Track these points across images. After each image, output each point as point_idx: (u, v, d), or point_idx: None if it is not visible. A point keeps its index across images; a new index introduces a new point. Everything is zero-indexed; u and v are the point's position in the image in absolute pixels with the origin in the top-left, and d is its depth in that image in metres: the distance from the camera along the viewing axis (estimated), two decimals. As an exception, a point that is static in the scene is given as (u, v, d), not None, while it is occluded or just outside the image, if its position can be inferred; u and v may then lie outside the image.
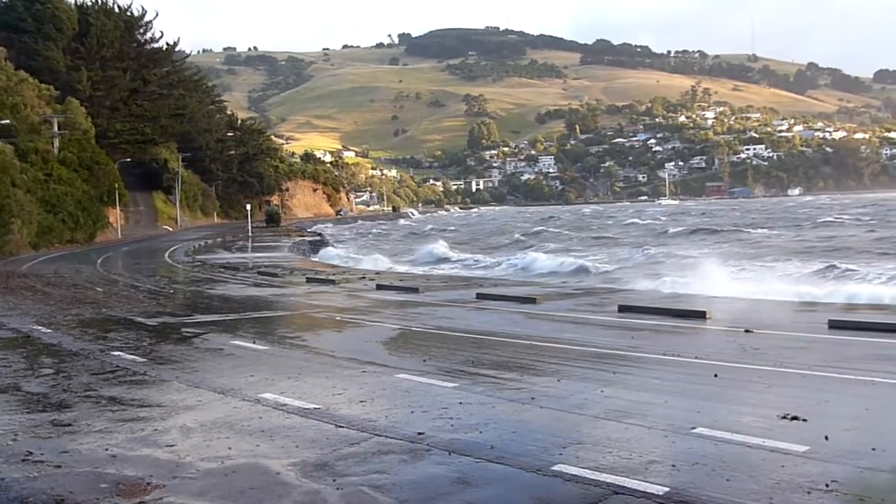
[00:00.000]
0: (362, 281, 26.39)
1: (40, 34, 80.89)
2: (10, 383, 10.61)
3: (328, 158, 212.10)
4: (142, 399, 9.56)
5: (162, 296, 23.36)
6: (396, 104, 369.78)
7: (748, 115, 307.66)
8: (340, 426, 7.97)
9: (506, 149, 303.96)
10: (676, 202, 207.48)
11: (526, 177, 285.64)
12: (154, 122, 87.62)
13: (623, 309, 16.77)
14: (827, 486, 5.92)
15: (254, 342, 13.72)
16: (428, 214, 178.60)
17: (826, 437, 7.07)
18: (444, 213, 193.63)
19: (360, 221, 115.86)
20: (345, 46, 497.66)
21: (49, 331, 15.68)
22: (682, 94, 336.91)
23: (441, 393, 9.39)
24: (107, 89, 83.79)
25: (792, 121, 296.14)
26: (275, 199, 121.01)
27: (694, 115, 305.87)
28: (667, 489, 5.92)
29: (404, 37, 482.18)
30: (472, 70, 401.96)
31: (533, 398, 9.00)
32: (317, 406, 8.83)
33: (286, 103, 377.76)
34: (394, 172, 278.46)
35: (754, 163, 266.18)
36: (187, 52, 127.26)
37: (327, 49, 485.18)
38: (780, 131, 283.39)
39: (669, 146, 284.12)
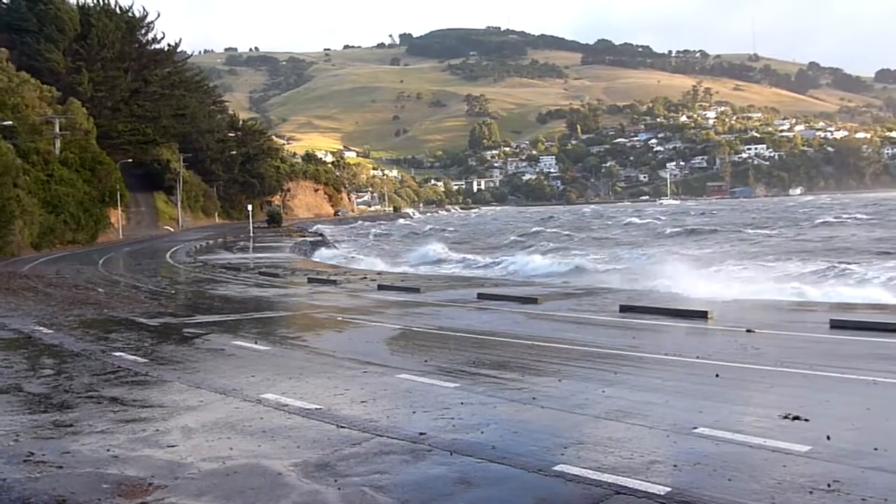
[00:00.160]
0: (364, 281, 26.40)
1: (42, 35, 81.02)
2: (11, 384, 10.61)
3: (329, 159, 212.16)
4: (143, 399, 9.56)
5: (163, 296, 23.37)
6: (398, 104, 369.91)
7: (749, 114, 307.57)
8: (342, 426, 7.96)
9: (507, 149, 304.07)
10: (678, 202, 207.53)
11: (527, 177, 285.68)
12: (155, 122, 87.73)
13: (624, 309, 16.76)
14: (829, 486, 5.92)
15: (255, 342, 13.72)
16: (428, 214, 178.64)
17: (828, 437, 7.06)
18: (444, 213, 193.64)
19: (360, 222, 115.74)
20: (346, 47, 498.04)
21: (50, 331, 15.68)
22: (683, 93, 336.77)
23: (442, 393, 9.39)
24: (108, 90, 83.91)
25: (793, 120, 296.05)
26: (276, 200, 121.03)
27: (695, 115, 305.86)
28: (668, 489, 5.92)
29: (405, 37, 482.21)
30: (474, 70, 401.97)
31: (534, 398, 9.00)
32: (318, 406, 8.83)
33: (287, 104, 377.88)
34: (395, 173, 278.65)
35: (755, 162, 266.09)
36: (188, 52, 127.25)
37: (328, 49, 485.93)
38: (782, 131, 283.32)
39: (671, 146, 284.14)
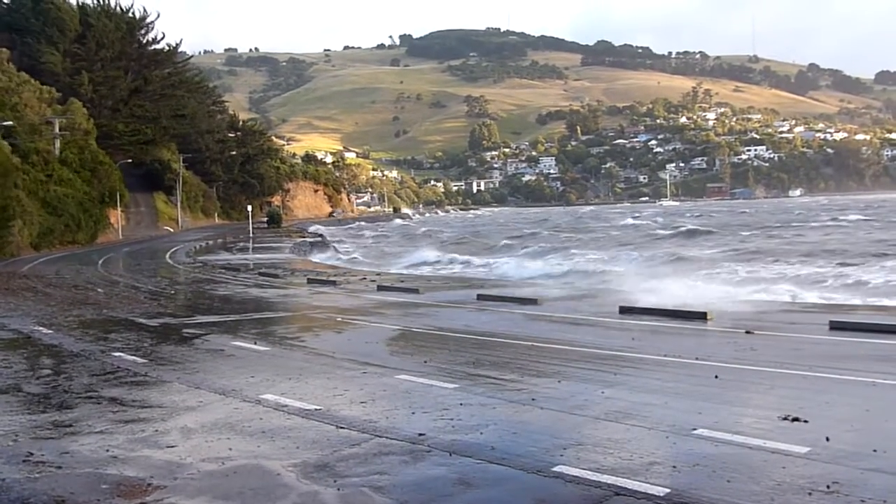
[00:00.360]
0: (363, 282, 26.40)
1: (43, 35, 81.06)
2: (11, 384, 10.61)
3: (329, 159, 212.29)
4: (142, 400, 9.56)
5: (163, 297, 23.37)
6: (397, 105, 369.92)
7: (749, 116, 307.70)
8: (341, 427, 7.97)
9: (507, 150, 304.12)
10: (677, 203, 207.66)
11: (527, 178, 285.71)
12: (155, 122, 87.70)
13: (624, 310, 16.76)
14: (828, 487, 5.92)
15: (255, 343, 13.72)
16: (428, 215, 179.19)
17: (827, 439, 7.06)
18: (443, 214, 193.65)
19: (358, 223, 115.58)
20: (346, 47, 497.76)
21: (50, 332, 15.68)
22: (683, 95, 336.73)
23: (442, 394, 9.39)
24: (108, 90, 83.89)
25: (793, 122, 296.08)
26: (276, 200, 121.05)
27: (695, 116, 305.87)
28: (667, 490, 5.92)
29: (405, 38, 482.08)
30: (473, 71, 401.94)
31: (534, 399, 9.00)
32: (318, 407, 8.84)
33: (287, 104, 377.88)
34: (395, 173, 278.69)
35: (755, 164, 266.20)
36: (188, 53, 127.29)
37: (328, 50, 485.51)
38: (781, 132, 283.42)
39: (670, 147, 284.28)
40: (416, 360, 11.88)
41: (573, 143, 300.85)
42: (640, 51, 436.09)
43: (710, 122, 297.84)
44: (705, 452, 6.84)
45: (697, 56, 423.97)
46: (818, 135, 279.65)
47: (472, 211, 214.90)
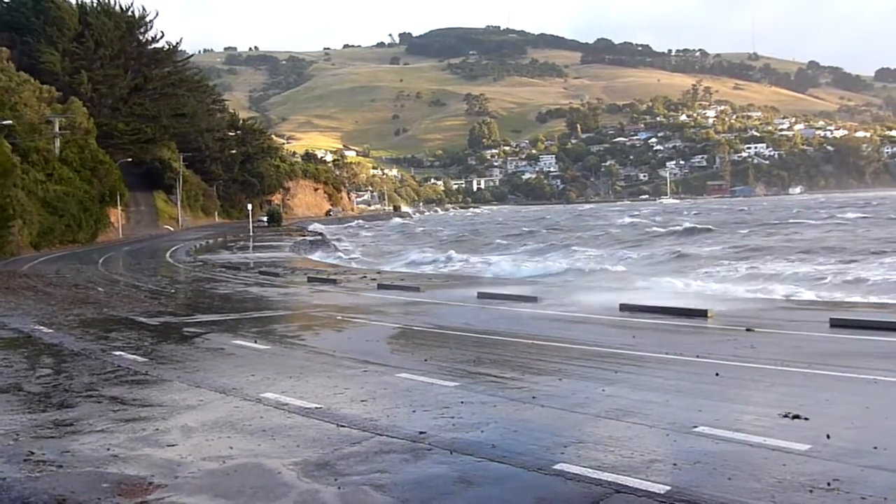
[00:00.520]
0: (363, 280, 26.40)
1: (42, 34, 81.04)
2: (11, 383, 10.61)
3: (329, 158, 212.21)
4: (143, 399, 9.56)
5: (163, 295, 23.37)
6: (397, 103, 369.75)
7: (749, 113, 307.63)
8: (342, 425, 7.97)
9: (507, 148, 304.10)
10: (677, 201, 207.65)
11: (527, 176, 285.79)
12: (155, 121, 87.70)
13: (624, 307, 16.76)
14: (829, 484, 5.92)
15: (255, 342, 13.72)
16: (428, 214, 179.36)
17: (828, 436, 7.06)
18: (442, 212, 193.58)
19: (357, 221, 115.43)
20: (345, 46, 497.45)
21: (50, 331, 15.68)
22: (683, 92, 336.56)
23: (442, 392, 9.39)
24: (108, 89, 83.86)
25: (793, 119, 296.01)
26: (276, 199, 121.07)
27: (695, 114, 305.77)
28: (668, 488, 5.92)
29: (405, 36, 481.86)
30: (473, 69, 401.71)
31: (534, 397, 9.00)
32: (318, 405, 8.84)
33: (287, 103, 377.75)
34: (395, 172, 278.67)
35: (755, 161, 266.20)
36: (188, 52, 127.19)
37: (328, 48, 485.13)
38: (782, 130, 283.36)
39: (670, 145, 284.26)
40: (417, 358, 11.89)
41: (573, 141, 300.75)
42: (639, 48, 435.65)
43: (710, 120, 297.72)
44: (706, 450, 6.84)
45: (697, 54, 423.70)
46: (818, 132, 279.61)
47: (471, 209, 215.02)
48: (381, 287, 23.61)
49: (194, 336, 14.69)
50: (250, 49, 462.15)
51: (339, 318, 17.14)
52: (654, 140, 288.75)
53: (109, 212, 67.87)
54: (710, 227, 63.71)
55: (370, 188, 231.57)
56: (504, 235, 65.93)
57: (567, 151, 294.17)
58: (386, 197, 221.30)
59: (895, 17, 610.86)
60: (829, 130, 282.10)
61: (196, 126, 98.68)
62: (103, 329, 16.01)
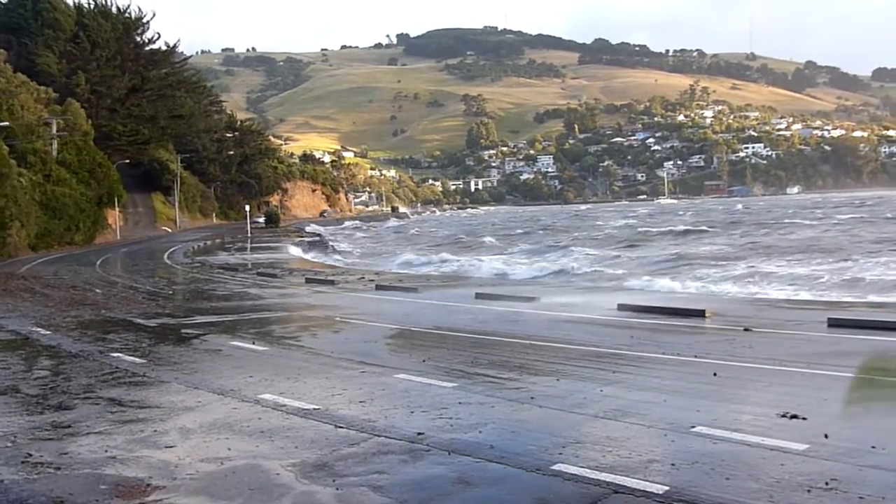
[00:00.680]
0: (361, 281, 26.40)
1: (40, 36, 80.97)
2: (9, 385, 10.60)
3: (327, 159, 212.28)
4: (141, 400, 9.56)
5: (161, 297, 23.35)
6: (395, 104, 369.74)
7: (746, 113, 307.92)
8: (340, 426, 7.96)
9: (504, 148, 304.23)
10: (675, 201, 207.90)
11: (525, 176, 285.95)
12: (153, 122, 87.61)
13: (622, 308, 16.77)
14: (827, 484, 5.92)
15: (253, 343, 13.72)
16: (426, 214, 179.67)
17: (826, 436, 7.07)
18: (439, 213, 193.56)
19: (353, 222, 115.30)
20: (343, 47, 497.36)
21: (48, 332, 15.67)
22: (680, 92, 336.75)
23: (440, 393, 9.39)
24: (105, 90, 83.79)
25: (790, 119, 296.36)
26: (274, 200, 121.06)
27: (692, 114, 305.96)
28: (666, 488, 5.92)
29: (402, 37, 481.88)
30: (471, 70, 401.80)
31: (532, 398, 9.00)
32: (316, 406, 8.83)
33: (284, 104, 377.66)
34: (392, 172, 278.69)
35: (753, 161, 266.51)
36: (186, 53, 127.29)
37: (325, 49, 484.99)
38: (779, 130, 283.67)
39: (668, 145, 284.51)
40: (415, 359, 11.88)
41: (571, 141, 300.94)
42: (637, 49, 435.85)
43: (708, 120, 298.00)
44: (704, 450, 6.85)
45: (695, 54, 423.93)
46: (816, 132, 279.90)
47: (467, 210, 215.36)
48: (378, 288, 23.61)
49: (192, 337, 14.68)
50: (248, 50, 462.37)
51: (337, 318, 17.13)
52: (651, 140, 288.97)
53: (107, 213, 67.81)
54: (705, 227, 63.83)
55: (368, 189, 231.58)
56: (499, 237, 65.96)
57: (565, 152, 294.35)
58: (384, 198, 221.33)
59: (892, 16, 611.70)
60: (827, 130, 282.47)
61: (194, 127, 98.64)
62: (101, 331, 16.00)
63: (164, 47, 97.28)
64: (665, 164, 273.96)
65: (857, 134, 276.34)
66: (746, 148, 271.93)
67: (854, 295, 21.49)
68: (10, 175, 45.99)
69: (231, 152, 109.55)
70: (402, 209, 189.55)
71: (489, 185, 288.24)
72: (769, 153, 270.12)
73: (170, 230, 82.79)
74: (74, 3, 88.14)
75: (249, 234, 66.98)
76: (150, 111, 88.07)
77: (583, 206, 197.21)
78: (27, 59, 76.96)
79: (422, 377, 10.28)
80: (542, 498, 5.89)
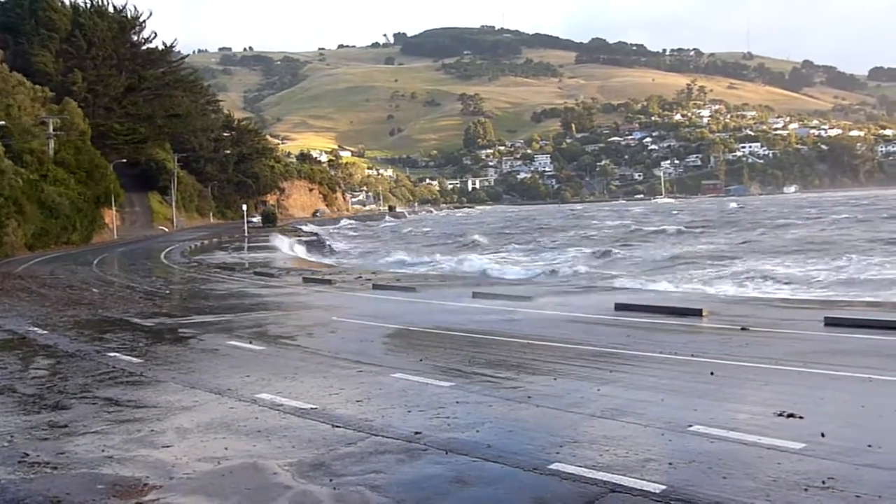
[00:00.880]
0: (358, 280, 26.38)
1: (36, 35, 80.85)
2: (5, 385, 10.58)
3: (324, 158, 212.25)
4: (138, 400, 9.54)
5: (158, 297, 23.31)
6: (392, 104, 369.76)
7: (744, 112, 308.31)
8: (337, 426, 7.96)
9: (502, 148, 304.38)
10: (673, 200, 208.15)
11: (522, 176, 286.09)
12: (150, 122, 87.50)
13: (619, 307, 16.76)
14: (823, 483, 5.93)
15: (250, 342, 13.70)
16: (423, 213, 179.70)
17: (822, 435, 7.08)
18: (436, 213, 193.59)
19: (349, 222, 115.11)
20: (340, 46, 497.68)
21: (45, 332, 15.65)
22: (677, 92, 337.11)
23: (437, 392, 9.39)
24: (102, 89, 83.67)
25: (787, 118, 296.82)
26: (271, 200, 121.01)
27: (689, 114, 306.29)
28: (663, 487, 5.93)
29: (399, 36, 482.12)
30: (468, 69, 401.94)
31: (529, 397, 9.00)
32: (313, 406, 8.83)
33: (282, 103, 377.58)
34: (390, 172, 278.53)
35: (750, 160, 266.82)
36: (183, 52, 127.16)
37: (323, 49, 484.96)
38: (776, 129, 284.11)
39: (665, 144, 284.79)
40: (412, 358, 11.88)
41: (568, 140, 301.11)
42: (634, 48, 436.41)
43: (705, 120, 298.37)
44: (701, 449, 6.85)
45: (692, 53, 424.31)
46: (812, 131, 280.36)
47: (463, 209, 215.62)
48: (376, 287, 23.60)
49: (189, 337, 14.66)
50: (245, 49, 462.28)
51: (334, 318, 17.11)
52: (648, 139, 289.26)
53: (104, 213, 67.71)
54: (701, 227, 63.91)
55: (365, 188, 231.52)
56: (493, 236, 66.06)
57: (562, 151, 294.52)
58: (381, 197, 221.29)
59: (889, 16, 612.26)
60: (824, 129, 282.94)
61: (191, 126, 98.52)
62: (98, 330, 15.98)
63: (160, 46, 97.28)
64: (662, 163, 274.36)
65: (854, 133, 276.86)
66: (743, 147, 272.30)
67: (850, 294, 21.54)
68: (5, 175, 45.91)
69: (228, 151, 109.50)
70: (399, 208, 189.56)
71: (486, 184, 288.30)
72: (766, 152, 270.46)
73: (167, 229, 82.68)
74: (70, 2, 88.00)
75: (246, 234, 66.90)
76: (147, 110, 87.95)
77: (579, 206, 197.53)
78: (23, 59, 76.81)
79: (419, 376, 10.28)
80: (539, 497, 5.89)
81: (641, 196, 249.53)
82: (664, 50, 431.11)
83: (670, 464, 6.49)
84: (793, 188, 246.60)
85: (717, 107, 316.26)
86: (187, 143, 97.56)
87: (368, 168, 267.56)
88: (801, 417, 7.71)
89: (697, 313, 15.44)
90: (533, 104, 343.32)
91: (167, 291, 25.43)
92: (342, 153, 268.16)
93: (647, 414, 8.06)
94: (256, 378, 10.52)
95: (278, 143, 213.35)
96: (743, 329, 13.51)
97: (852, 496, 5.68)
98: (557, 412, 8.32)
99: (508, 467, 6.53)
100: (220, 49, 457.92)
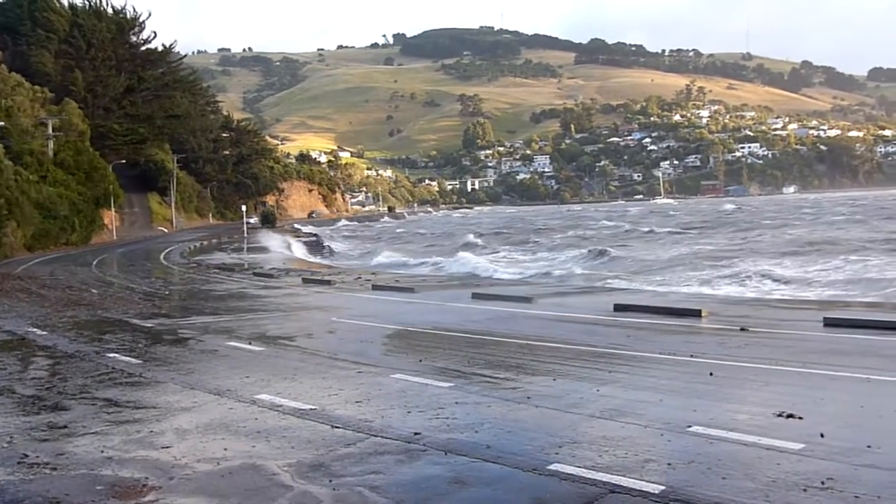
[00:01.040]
0: (358, 281, 26.38)
1: (35, 36, 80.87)
2: (5, 385, 10.58)
3: (323, 159, 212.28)
4: (137, 401, 9.54)
5: (157, 297, 23.31)
6: (391, 104, 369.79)
7: (743, 113, 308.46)
8: (336, 427, 7.96)
9: (501, 148, 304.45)
10: (672, 201, 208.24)
11: (521, 176, 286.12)
12: (149, 122, 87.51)
13: (618, 308, 16.76)
14: (823, 483, 5.93)
15: (249, 343, 13.70)
16: (422, 214, 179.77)
17: (822, 435, 7.08)
18: (435, 213, 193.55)
19: (346, 222, 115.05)
20: (339, 47, 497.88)
21: (44, 333, 15.64)
22: (676, 92, 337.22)
23: (437, 393, 9.38)
24: (102, 89, 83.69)
25: (786, 119, 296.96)
26: (270, 200, 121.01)
27: (689, 114, 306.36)
28: (663, 487, 5.93)
29: (399, 37, 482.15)
30: (467, 70, 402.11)
31: (529, 397, 9.00)
32: (313, 407, 8.83)
33: (281, 104, 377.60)
34: (389, 173, 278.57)
35: (749, 161, 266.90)
36: (182, 53, 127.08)
37: (322, 49, 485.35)
38: (775, 129, 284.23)
39: (664, 145, 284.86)
40: (411, 359, 11.87)
41: (567, 141, 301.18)
42: (633, 49, 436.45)
43: (704, 120, 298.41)
44: (700, 449, 6.85)
45: (691, 54, 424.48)
46: (812, 132, 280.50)
47: (461, 210, 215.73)
48: (375, 288, 23.59)
49: (188, 338, 14.66)
50: (244, 50, 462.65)
51: (334, 319, 17.11)
52: (647, 140, 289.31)
53: (104, 213, 67.70)
54: (700, 227, 63.93)
55: (364, 189, 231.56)
56: (489, 237, 66.06)
57: (561, 152, 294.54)
58: (380, 198, 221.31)
59: (888, 17, 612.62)
60: (823, 130, 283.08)
61: (190, 127, 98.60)
62: (97, 331, 15.97)
63: (160, 47, 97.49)
64: (661, 163, 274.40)
65: (853, 134, 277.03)
66: (743, 148, 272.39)
67: (850, 294, 21.54)
68: (4, 175, 45.89)
69: (227, 152, 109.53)
70: (398, 209, 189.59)
71: (486, 185, 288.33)
72: (765, 153, 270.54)
73: (166, 230, 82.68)
74: (69, 3, 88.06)
75: (246, 235, 66.89)
76: (147, 111, 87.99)
77: (578, 206, 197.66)
78: (22, 59, 76.84)
79: (418, 377, 10.27)
80: (538, 498, 5.89)
81: (641, 196, 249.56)
82: (663, 50, 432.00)
83: (669, 464, 6.49)
84: (792, 189, 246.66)
85: (716, 107, 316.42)
86: (186, 143, 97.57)
87: (368, 169, 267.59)
88: (800, 418, 7.71)
89: (696, 314, 15.44)
90: (532, 105, 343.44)
91: (166, 292, 25.42)
92: (341, 154, 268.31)
93: (647, 414, 8.06)
94: (256, 379, 10.51)
95: (277, 144, 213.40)
96: (742, 329, 13.51)
97: (851, 497, 5.68)
98: (557, 413, 8.32)
99: (508, 468, 6.53)
100: (220, 50, 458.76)
